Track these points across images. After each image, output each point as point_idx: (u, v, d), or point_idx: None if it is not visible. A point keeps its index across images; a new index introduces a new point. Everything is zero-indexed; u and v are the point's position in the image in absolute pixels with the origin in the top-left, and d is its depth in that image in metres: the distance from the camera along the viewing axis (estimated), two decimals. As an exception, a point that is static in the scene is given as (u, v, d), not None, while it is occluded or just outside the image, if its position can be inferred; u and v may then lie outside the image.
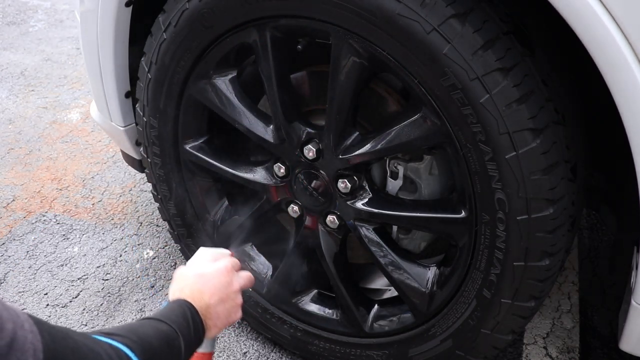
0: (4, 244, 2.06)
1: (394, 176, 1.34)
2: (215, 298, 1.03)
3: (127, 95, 1.57)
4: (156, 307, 1.85)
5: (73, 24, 3.72)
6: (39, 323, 0.62)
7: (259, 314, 1.61)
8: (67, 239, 2.09)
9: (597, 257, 1.97)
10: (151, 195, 1.76)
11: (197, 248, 1.62)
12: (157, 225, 2.16)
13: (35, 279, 1.92)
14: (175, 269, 1.98)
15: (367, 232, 1.35)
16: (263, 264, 1.62)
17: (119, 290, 1.90)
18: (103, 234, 2.12)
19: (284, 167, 1.39)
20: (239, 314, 1.10)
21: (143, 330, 0.81)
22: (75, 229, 2.14)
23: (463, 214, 1.19)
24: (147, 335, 0.81)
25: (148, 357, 0.78)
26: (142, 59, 1.43)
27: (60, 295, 1.87)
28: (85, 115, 2.83)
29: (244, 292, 1.15)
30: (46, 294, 1.88)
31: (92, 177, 2.41)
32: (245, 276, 1.15)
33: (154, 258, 2.03)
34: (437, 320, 1.32)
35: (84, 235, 2.11)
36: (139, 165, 1.72)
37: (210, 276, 1.06)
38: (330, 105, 1.22)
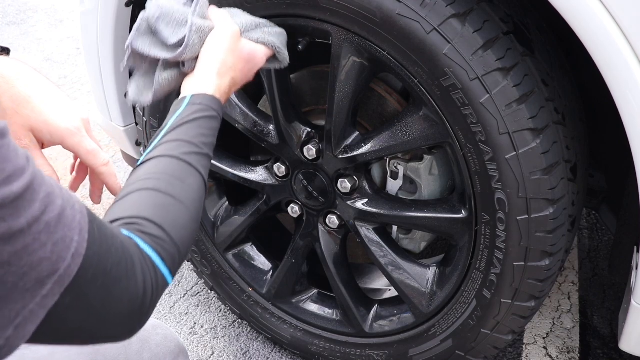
0: (4, 244, 2.06)
1: (394, 176, 1.34)
2: (239, 86, 1.03)
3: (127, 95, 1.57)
4: (156, 307, 1.85)
5: (73, 24, 3.71)
6: (90, 212, 0.62)
7: (259, 314, 1.62)
8: (67, 239, 2.09)
9: (597, 257, 1.97)
10: (151, 195, 1.76)
11: (197, 248, 1.63)
12: (157, 225, 2.16)
13: (35, 279, 1.93)
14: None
15: (367, 232, 1.35)
16: (263, 264, 1.62)
17: (119, 290, 1.90)
18: (103, 234, 2.12)
19: (284, 167, 1.39)
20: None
21: (174, 214, 0.74)
22: (75, 229, 2.13)
23: (463, 214, 1.19)
24: (178, 222, 0.74)
25: (176, 255, 0.73)
26: (142, 59, 1.43)
27: (60, 295, 1.87)
28: (85, 115, 2.82)
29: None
30: (46, 294, 1.88)
31: (92, 177, 2.41)
32: (268, 53, 1.09)
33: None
34: (437, 320, 1.32)
35: (84, 235, 2.11)
36: (139, 165, 1.72)
37: (247, 67, 1.03)
38: (330, 105, 1.22)
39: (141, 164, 0.83)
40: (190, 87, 0.96)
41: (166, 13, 0.99)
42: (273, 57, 1.13)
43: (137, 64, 1.02)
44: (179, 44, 0.98)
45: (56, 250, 0.55)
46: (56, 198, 0.57)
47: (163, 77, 1.01)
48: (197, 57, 0.99)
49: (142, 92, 1.03)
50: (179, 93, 0.98)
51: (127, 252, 0.65)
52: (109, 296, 0.62)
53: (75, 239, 0.58)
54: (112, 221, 0.72)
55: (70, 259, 0.57)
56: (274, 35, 1.11)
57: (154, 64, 1.02)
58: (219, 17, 1.03)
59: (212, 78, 0.96)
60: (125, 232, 0.69)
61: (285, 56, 1.14)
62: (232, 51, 1.00)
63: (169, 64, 1.01)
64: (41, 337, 0.58)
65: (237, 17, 1.07)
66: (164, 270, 0.70)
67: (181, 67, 1.01)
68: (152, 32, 1.00)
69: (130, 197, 0.75)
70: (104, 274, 0.61)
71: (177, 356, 0.94)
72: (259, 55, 1.07)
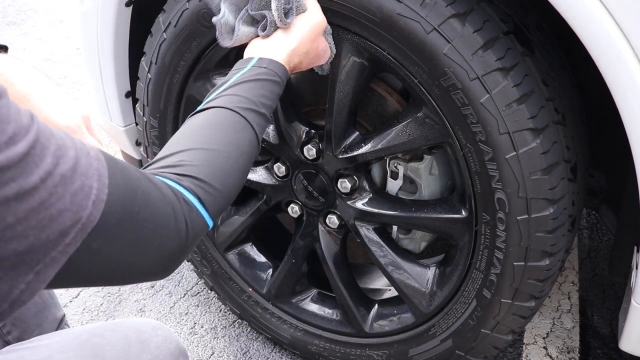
0: (4, 244, 2.06)
1: (394, 176, 1.34)
2: (307, 63, 1.07)
3: (127, 95, 1.58)
4: (156, 307, 1.85)
5: (73, 24, 3.72)
6: (109, 157, 0.62)
7: (259, 314, 1.62)
8: (67, 239, 2.09)
9: (597, 257, 1.97)
10: (151, 195, 1.76)
11: (197, 248, 1.63)
12: (157, 225, 2.16)
13: (35, 279, 1.92)
14: (175, 269, 1.98)
15: (367, 232, 1.35)
16: (263, 264, 1.62)
17: (119, 290, 1.91)
18: (103, 234, 2.12)
19: (284, 167, 1.39)
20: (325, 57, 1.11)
21: (222, 161, 0.75)
22: (75, 229, 2.13)
23: (463, 214, 1.19)
24: (225, 169, 0.75)
25: (219, 201, 0.73)
26: (142, 59, 1.43)
27: (60, 295, 1.87)
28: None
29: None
30: (46, 294, 1.88)
31: (92, 177, 2.41)
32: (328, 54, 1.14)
33: (154, 258, 2.03)
34: (437, 320, 1.32)
35: (84, 235, 2.11)
36: (139, 166, 1.73)
37: (314, 59, 1.08)
38: (330, 105, 1.23)
39: (199, 111, 0.84)
40: (261, 50, 0.98)
41: None
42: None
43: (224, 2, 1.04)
44: (286, 12, 1.00)
45: (76, 200, 0.56)
46: (68, 149, 0.57)
47: (242, 30, 1.03)
48: (274, 16, 1.00)
49: (223, 34, 1.04)
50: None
51: (156, 193, 0.64)
52: (138, 239, 0.62)
53: (95, 186, 0.58)
54: (153, 162, 0.72)
55: (92, 206, 0.57)
56: (334, 45, 1.16)
57: (240, 7, 1.03)
58: (312, 3, 1.05)
59: (286, 51, 0.98)
60: (159, 177, 0.69)
61: (328, 67, 1.18)
62: (313, 40, 1.04)
63: (250, 20, 1.03)
64: (66, 280, 0.59)
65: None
66: (203, 211, 0.70)
67: (260, 30, 1.03)
68: None
69: (183, 142, 0.75)
70: (130, 217, 0.61)
71: (177, 357, 0.95)
72: (327, 55, 1.12)
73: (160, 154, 0.75)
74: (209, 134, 0.78)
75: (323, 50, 1.09)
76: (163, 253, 0.66)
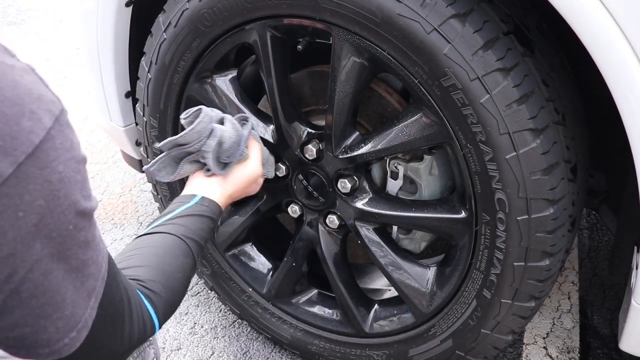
0: (4, 244, 2.06)
1: (394, 176, 1.34)
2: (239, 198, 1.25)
3: (127, 95, 1.58)
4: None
5: (73, 24, 3.71)
6: (110, 259, 0.75)
7: (259, 314, 1.62)
8: (67, 239, 2.09)
9: (597, 257, 1.97)
10: (151, 195, 1.76)
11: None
12: (157, 225, 2.16)
13: (35, 279, 1.92)
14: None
15: (367, 232, 1.35)
16: (263, 264, 1.62)
17: (119, 290, 1.90)
18: (103, 233, 2.12)
19: (284, 167, 1.39)
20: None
21: (171, 276, 0.91)
22: (75, 229, 2.13)
23: (463, 214, 1.19)
24: (170, 288, 0.91)
25: (163, 315, 0.88)
26: (142, 59, 1.43)
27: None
28: (85, 115, 2.82)
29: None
30: (46, 294, 1.87)
31: (92, 177, 2.41)
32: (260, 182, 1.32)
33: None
34: (437, 320, 1.32)
35: (84, 235, 2.11)
36: (139, 165, 1.73)
37: (246, 190, 1.26)
38: (330, 105, 1.22)
39: (149, 233, 1.00)
40: (203, 190, 1.16)
41: (235, 141, 1.22)
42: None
43: (168, 149, 1.22)
44: (226, 163, 1.21)
45: (97, 269, 0.69)
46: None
47: (185, 168, 1.22)
48: (211, 155, 1.18)
49: (161, 171, 1.23)
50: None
51: (128, 295, 0.78)
52: (117, 327, 0.76)
53: (104, 267, 0.71)
54: (120, 262, 0.89)
55: (101, 281, 0.70)
56: (272, 166, 1.36)
57: (181, 155, 1.22)
58: (253, 152, 1.26)
59: (224, 196, 1.18)
60: (135, 286, 0.84)
61: (272, 175, 1.37)
62: (247, 187, 1.25)
63: (194, 161, 1.22)
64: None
65: (262, 149, 1.31)
66: (155, 319, 0.85)
67: (205, 171, 1.22)
68: (215, 139, 1.18)
69: (139, 258, 0.91)
70: (112, 305, 0.74)
71: (149, 344, 1.07)
72: (259, 186, 1.31)
73: (130, 264, 0.91)
74: (164, 257, 0.94)
75: (255, 188, 1.29)
76: (123, 346, 0.79)
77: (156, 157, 1.23)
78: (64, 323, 0.66)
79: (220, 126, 1.20)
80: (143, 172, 1.66)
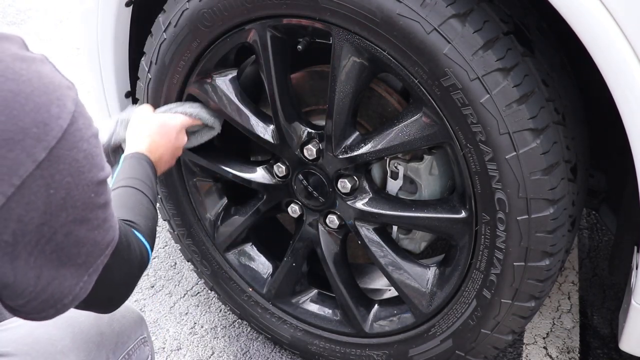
0: (4, 244, 2.06)
1: (394, 176, 1.34)
2: (168, 154, 1.26)
3: (127, 95, 1.58)
4: (156, 307, 1.85)
5: (73, 23, 3.71)
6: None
7: (259, 314, 1.62)
8: (67, 239, 2.09)
9: (597, 257, 1.97)
10: (151, 195, 1.75)
11: (197, 248, 1.63)
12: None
13: (35, 279, 1.92)
14: (174, 269, 1.98)
15: (367, 232, 1.35)
16: (263, 264, 1.62)
17: (119, 290, 1.90)
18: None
19: (284, 167, 1.39)
20: (178, 155, 1.34)
21: (143, 212, 1.04)
22: (75, 229, 2.13)
23: (463, 214, 1.19)
24: (146, 218, 1.03)
25: (151, 241, 1.00)
26: (142, 59, 1.43)
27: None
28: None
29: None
30: (46, 294, 1.87)
31: (92, 177, 2.41)
32: (186, 121, 1.35)
33: (154, 258, 2.03)
34: (437, 320, 1.32)
35: (84, 235, 2.11)
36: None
37: (162, 130, 1.27)
38: (330, 105, 1.22)
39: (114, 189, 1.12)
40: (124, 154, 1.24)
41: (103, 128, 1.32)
42: (205, 127, 1.40)
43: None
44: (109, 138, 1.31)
45: (113, 225, 0.78)
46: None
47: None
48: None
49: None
50: None
51: (132, 237, 0.91)
52: (129, 257, 0.87)
53: (115, 226, 0.80)
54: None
55: (115, 235, 0.79)
56: (193, 108, 1.37)
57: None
58: (137, 109, 1.33)
59: (133, 141, 1.23)
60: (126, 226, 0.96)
61: (211, 121, 1.39)
62: (144, 122, 1.27)
63: (113, 150, 1.30)
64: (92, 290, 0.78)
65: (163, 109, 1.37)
66: (146, 243, 0.97)
67: (120, 151, 1.28)
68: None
69: (118, 212, 1.01)
70: (127, 244, 0.87)
71: (140, 325, 1.11)
72: (172, 120, 1.31)
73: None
74: (123, 198, 1.07)
75: (163, 121, 1.29)
76: (138, 267, 0.92)
77: None
78: (77, 269, 0.74)
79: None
80: None
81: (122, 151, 1.25)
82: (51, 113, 0.64)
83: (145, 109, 1.32)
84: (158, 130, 1.26)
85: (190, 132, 1.38)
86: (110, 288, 0.85)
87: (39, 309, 0.73)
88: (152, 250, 1.00)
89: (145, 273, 1.94)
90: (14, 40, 0.67)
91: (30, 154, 0.63)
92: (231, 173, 1.47)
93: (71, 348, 0.97)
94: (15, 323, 0.97)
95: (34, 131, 0.63)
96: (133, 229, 0.96)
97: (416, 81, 1.09)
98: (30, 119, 0.63)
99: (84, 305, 0.83)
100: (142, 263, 0.93)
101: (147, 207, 1.08)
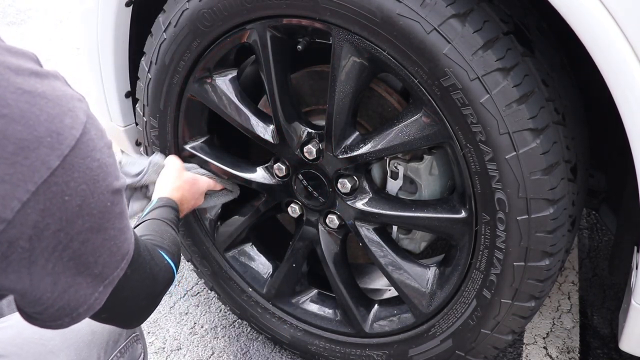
0: (4, 244, 2.06)
1: (394, 176, 1.34)
2: (188, 209, 1.39)
3: (127, 95, 1.58)
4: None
5: (73, 24, 3.71)
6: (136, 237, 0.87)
7: (259, 314, 1.62)
8: (67, 239, 2.09)
9: (597, 257, 1.97)
10: (151, 195, 1.75)
11: (197, 248, 1.63)
12: (157, 225, 2.16)
13: (35, 279, 1.92)
14: (175, 269, 1.98)
15: (367, 232, 1.35)
16: (263, 264, 1.62)
17: (119, 290, 1.90)
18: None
19: (284, 167, 1.39)
20: (199, 203, 1.46)
21: (169, 238, 1.11)
22: (75, 229, 2.13)
23: (463, 214, 1.19)
24: (172, 244, 1.09)
25: (176, 262, 1.05)
26: (142, 59, 1.43)
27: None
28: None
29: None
30: (46, 294, 1.87)
31: (92, 177, 2.41)
32: (211, 184, 1.48)
33: (154, 258, 2.03)
34: (437, 320, 1.32)
35: (84, 235, 2.11)
36: (139, 166, 1.72)
37: (192, 188, 1.41)
38: (330, 105, 1.22)
39: (136, 226, 1.16)
40: (154, 197, 1.32)
41: (131, 161, 1.43)
42: (225, 191, 1.51)
43: None
44: (139, 174, 1.38)
45: (129, 237, 0.80)
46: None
47: (134, 206, 1.39)
48: (154, 184, 1.37)
49: None
50: None
51: (147, 246, 0.94)
52: (152, 271, 0.90)
53: (131, 239, 0.82)
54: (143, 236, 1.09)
55: (130, 248, 0.81)
56: (216, 177, 1.49)
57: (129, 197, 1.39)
58: (168, 159, 1.43)
59: (167, 191, 1.32)
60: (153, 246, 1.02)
61: (231, 186, 1.51)
62: (178, 177, 1.37)
63: (136, 197, 1.39)
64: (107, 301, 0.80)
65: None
66: (171, 263, 1.02)
67: (145, 192, 1.40)
68: (122, 164, 1.40)
69: (147, 233, 1.12)
70: (151, 258, 0.91)
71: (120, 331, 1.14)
72: (201, 180, 1.44)
73: (143, 234, 1.12)
74: (153, 227, 1.15)
75: (193, 179, 1.41)
76: (163, 284, 0.96)
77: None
78: (93, 279, 0.76)
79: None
80: None
81: (147, 189, 1.39)
82: (64, 123, 0.67)
83: (177, 163, 1.41)
84: (189, 188, 1.38)
85: (208, 193, 1.50)
86: (132, 301, 0.87)
87: (55, 316, 0.75)
88: (177, 271, 1.05)
89: (145, 273, 1.94)
90: (28, 57, 0.71)
91: (44, 162, 0.65)
92: (231, 173, 1.47)
93: (61, 347, 0.99)
94: (5, 324, 0.99)
95: (48, 140, 0.66)
96: (159, 249, 1.01)
97: (416, 81, 1.09)
98: (45, 129, 0.65)
99: (107, 318, 0.86)
100: (166, 280, 0.97)
101: (173, 236, 1.15)
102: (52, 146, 0.66)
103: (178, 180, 1.37)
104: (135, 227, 1.16)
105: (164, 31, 1.34)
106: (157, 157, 1.43)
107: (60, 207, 0.68)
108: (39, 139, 0.65)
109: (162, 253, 1.00)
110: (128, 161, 1.42)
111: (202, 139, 1.51)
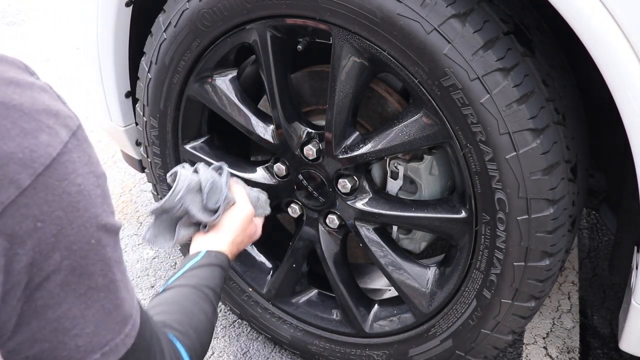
0: (4, 244, 2.06)
1: (394, 176, 1.34)
2: (243, 247, 1.27)
3: (127, 95, 1.58)
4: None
5: (73, 24, 3.72)
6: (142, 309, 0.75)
7: (259, 314, 1.62)
8: (67, 239, 2.09)
9: (597, 257, 1.97)
10: (151, 195, 1.75)
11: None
12: (157, 225, 2.15)
13: (35, 279, 1.92)
14: (174, 268, 1.98)
15: (367, 232, 1.35)
16: (263, 264, 1.62)
17: (119, 290, 1.90)
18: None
19: (284, 167, 1.39)
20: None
21: (199, 323, 0.96)
22: (75, 229, 2.13)
23: (463, 214, 1.19)
24: (201, 331, 0.95)
25: (198, 351, 0.92)
26: (142, 59, 1.43)
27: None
28: (85, 115, 2.82)
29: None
30: (46, 294, 1.87)
31: (92, 177, 2.41)
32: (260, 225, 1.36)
33: (154, 258, 2.03)
34: (437, 320, 1.32)
35: (84, 235, 2.10)
36: (139, 165, 1.72)
37: (250, 240, 1.31)
38: (330, 105, 1.23)
39: (163, 291, 1.03)
40: (205, 245, 1.17)
41: (215, 184, 1.21)
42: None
43: (158, 215, 1.20)
44: (214, 210, 1.20)
45: (131, 296, 0.70)
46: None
47: (182, 233, 1.21)
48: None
49: (158, 238, 1.21)
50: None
51: (158, 334, 0.80)
52: (147, 356, 0.75)
53: (136, 300, 0.73)
54: (156, 314, 0.93)
55: (136, 311, 0.71)
56: (266, 205, 1.38)
57: (175, 219, 1.20)
58: (238, 194, 1.27)
59: (226, 243, 1.19)
60: (164, 329, 0.87)
61: (268, 212, 1.39)
62: (244, 230, 1.24)
63: (189, 223, 1.21)
64: None
65: (247, 190, 1.32)
66: (186, 356, 0.87)
67: (201, 227, 1.22)
68: (197, 193, 1.19)
69: (161, 308, 0.96)
70: (145, 339, 0.74)
71: None
72: (259, 231, 1.33)
73: (162, 316, 0.95)
74: (184, 303, 0.99)
75: (255, 232, 1.32)
76: None
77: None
78: (85, 342, 0.64)
79: (195, 175, 1.20)
80: (143, 172, 1.66)
81: (188, 214, 1.18)
82: (39, 140, 0.59)
83: (248, 210, 1.26)
84: (248, 241, 1.29)
85: None
86: None
87: None
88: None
89: (145, 273, 1.94)
90: (12, 64, 0.64)
91: (13, 180, 0.57)
92: (231, 173, 1.47)
93: None
94: None
95: (20, 157, 0.58)
96: (172, 336, 0.86)
97: (416, 81, 1.09)
98: (16, 144, 0.58)
99: None
100: None
101: (207, 319, 0.99)
102: (24, 163, 0.58)
103: (242, 234, 1.23)
104: (156, 296, 1.01)
105: (164, 31, 1.34)
106: (226, 179, 1.24)
107: (32, 235, 0.58)
108: (8, 154, 0.57)
109: (175, 342, 0.85)
110: (214, 184, 1.21)
111: (202, 139, 1.51)
